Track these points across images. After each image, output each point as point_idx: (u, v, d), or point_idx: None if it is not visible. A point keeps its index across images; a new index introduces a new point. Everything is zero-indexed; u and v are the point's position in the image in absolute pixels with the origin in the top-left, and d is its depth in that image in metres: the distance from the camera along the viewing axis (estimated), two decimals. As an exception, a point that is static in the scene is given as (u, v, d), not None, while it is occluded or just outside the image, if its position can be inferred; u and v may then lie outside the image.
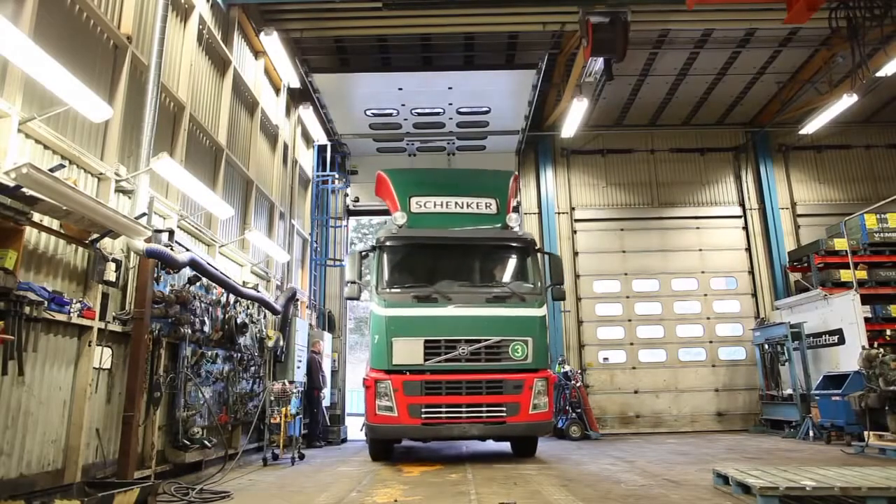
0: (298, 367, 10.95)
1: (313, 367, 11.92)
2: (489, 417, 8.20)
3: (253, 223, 10.22)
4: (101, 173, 5.88)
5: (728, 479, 5.76)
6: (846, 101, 12.58)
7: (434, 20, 11.21)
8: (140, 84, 6.68)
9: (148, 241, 6.05)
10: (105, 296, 5.81)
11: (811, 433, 11.47)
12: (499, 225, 9.57)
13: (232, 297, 8.50)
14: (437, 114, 13.62)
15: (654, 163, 16.43)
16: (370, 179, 10.65)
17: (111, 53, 6.34)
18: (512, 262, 9.49)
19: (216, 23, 9.10)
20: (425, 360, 8.27)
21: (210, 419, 7.63)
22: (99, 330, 5.60)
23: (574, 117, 13.01)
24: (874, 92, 14.38)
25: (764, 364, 13.83)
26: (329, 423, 13.01)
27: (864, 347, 10.67)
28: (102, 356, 5.72)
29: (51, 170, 4.55)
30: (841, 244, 13.51)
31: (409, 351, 8.31)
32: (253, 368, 9.43)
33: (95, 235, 5.49)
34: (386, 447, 9.13)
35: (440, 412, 8.16)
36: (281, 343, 10.42)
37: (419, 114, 13.61)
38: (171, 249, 6.48)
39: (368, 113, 13.54)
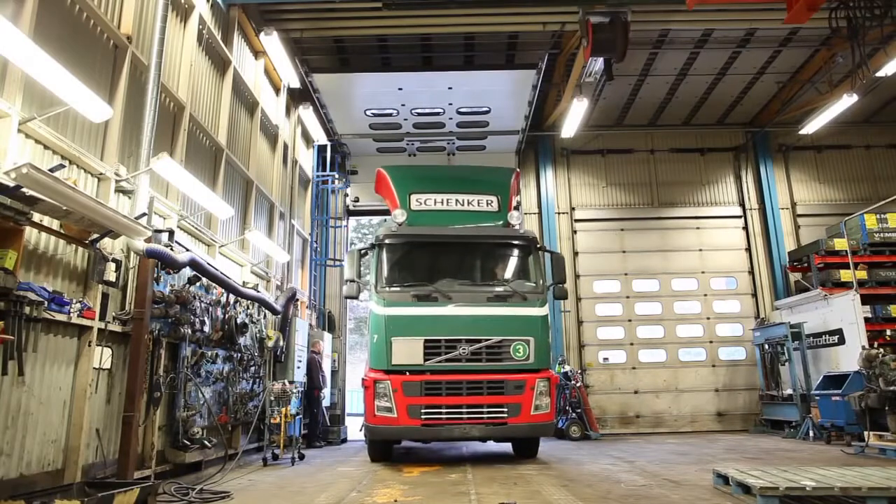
0: (298, 367, 10.95)
1: (313, 367, 11.92)
2: (490, 418, 8.07)
3: (253, 223, 10.22)
4: (101, 173, 5.88)
5: (728, 479, 5.75)
6: (846, 101, 12.59)
7: (434, 20, 11.21)
8: (140, 84, 6.68)
9: (148, 241, 6.05)
10: (105, 296, 5.81)
11: (811, 433, 11.47)
12: (500, 222, 9.45)
13: (232, 297, 8.49)
14: (437, 114, 13.62)
15: (653, 163, 16.43)
16: (370, 179, 10.62)
17: (111, 53, 6.34)
18: (513, 261, 9.34)
19: (216, 23, 9.10)
20: (425, 360, 8.15)
21: (210, 419, 7.63)
22: (99, 330, 5.60)
23: (574, 117, 13.01)
24: (874, 92, 14.38)
25: (764, 364, 13.83)
26: (329, 424, 13.01)
27: (864, 347, 10.67)
28: (102, 356, 5.71)
29: (51, 170, 4.55)
30: (841, 244, 13.52)
31: (408, 351, 8.17)
32: (253, 368, 9.43)
33: (95, 235, 5.49)
34: (385, 448, 9.00)
35: (440, 413, 8.03)
36: (281, 343, 10.42)
37: (419, 114, 13.60)
38: (171, 249, 6.48)
39: (368, 113, 13.54)
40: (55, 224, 5.14)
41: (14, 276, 4.29)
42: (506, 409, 8.11)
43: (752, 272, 15.63)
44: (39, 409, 4.95)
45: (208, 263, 7.48)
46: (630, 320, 15.36)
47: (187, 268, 6.85)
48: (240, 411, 8.78)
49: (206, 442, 7.16)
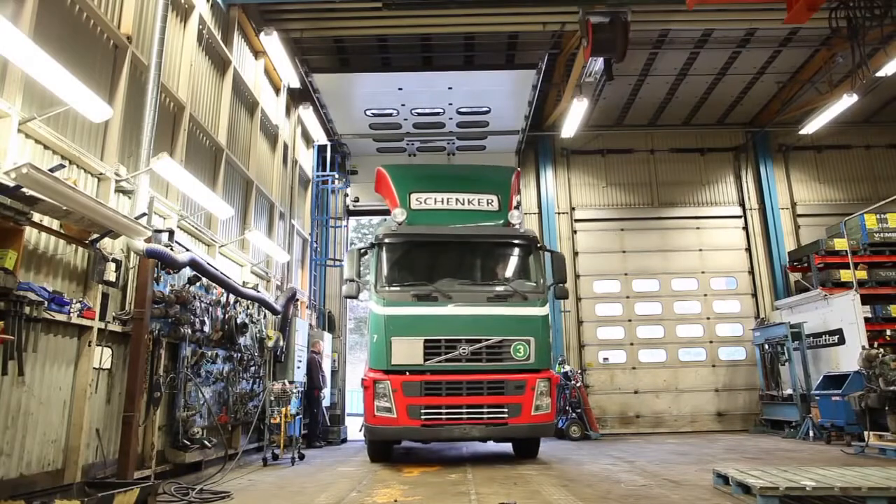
0: (298, 367, 10.95)
1: (313, 367, 11.92)
2: (490, 419, 8.03)
3: (253, 223, 10.22)
4: (101, 173, 5.88)
5: (728, 479, 5.75)
6: (846, 101, 12.58)
7: (434, 20, 11.21)
8: (140, 84, 6.68)
9: (148, 241, 6.05)
10: (105, 296, 5.81)
11: (811, 433, 11.47)
12: (500, 222, 9.39)
13: (232, 297, 8.49)
14: (437, 114, 13.62)
15: (654, 163, 16.43)
16: (370, 179, 10.61)
17: (111, 53, 6.34)
18: (514, 260, 9.28)
19: (216, 23, 9.10)
20: (425, 360, 8.11)
21: (210, 419, 7.63)
22: (99, 330, 5.60)
23: (574, 117, 13.01)
24: (874, 92, 14.38)
25: (764, 364, 13.83)
26: (329, 423, 13.01)
27: (864, 347, 10.67)
28: (102, 356, 5.72)
29: (51, 170, 4.55)
30: (841, 244, 13.52)
31: (408, 351, 8.12)
32: (253, 368, 9.43)
33: (95, 235, 5.49)
34: (385, 448, 8.96)
35: (440, 413, 7.98)
36: (281, 343, 10.42)
37: (419, 114, 13.60)
38: (171, 249, 6.48)
39: (368, 113, 13.54)
40: (55, 224, 5.14)
41: (14, 276, 4.29)
42: (506, 410, 8.07)
43: (752, 272, 15.63)
44: (39, 409, 4.95)
45: (208, 263, 7.48)
46: (630, 320, 15.35)
47: (187, 268, 6.85)
48: (240, 411, 8.78)
49: (206, 442, 7.16)
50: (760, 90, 14.96)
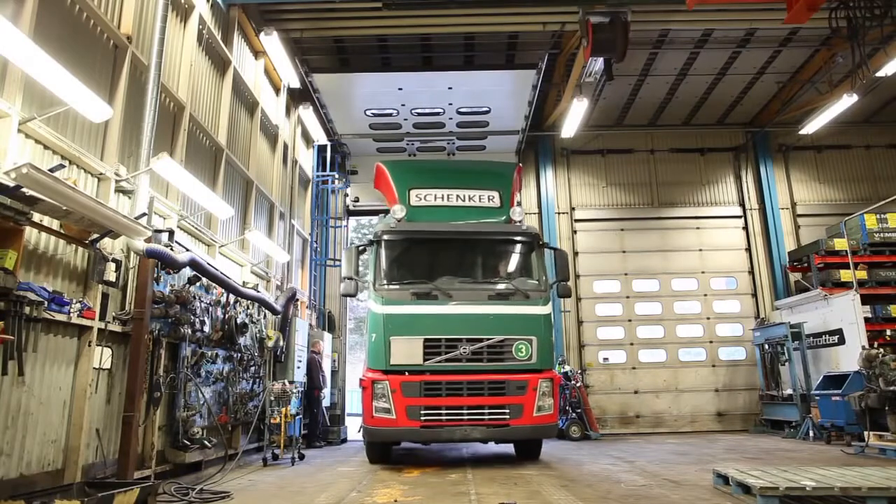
0: (298, 367, 10.94)
1: (313, 367, 11.92)
2: (491, 420, 7.86)
3: (253, 223, 10.22)
4: (101, 173, 5.88)
5: (728, 479, 5.75)
6: (846, 101, 12.59)
7: (434, 20, 11.21)
8: (140, 84, 6.68)
9: (148, 241, 6.05)
10: (105, 296, 5.81)
11: (811, 433, 11.47)
12: (502, 218, 9.18)
13: (232, 297, 8.49)
14: (437, 114, 13.61)
15: (654, 163, 16.43)
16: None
17: (111, 53, 6.34)
18: (515, 258, 9.10)
19: (216, 23, 9.10)
20: (425, 359, 7.92)
21: (210, 419, 7.63)
22: (99, 330, 5.60)
23: (574, 117, 13.01)
24: (874, 92, 14.38)
25: (764, 364, 13.83)
26: (329, 424, 13.01)
27: (864, 347, 10.67)
28: (102, 356, 5.71)
29: (51, 170, 4.55)
30: (841, 244, 13.52)
31: (407, 350, 7.94)
32: (253, 368, 9.43)
33: (95, 235, 5.49)
34: (384, 450, 8.81)
35: (440, 414, 7.80)
36: (281, 343, 10.42)
37: (419, 114, 13.60)
38: (171, 249, 6.48)
39: (368, 113, 13.54)
40: (55, 224, 5.14)
41: (14, 276, 4.29)
42: (507, 411, 7.90)
43: (752, 272, 15.63)
44: (39, 409, 4.95)
45: (208, 263, 7.48)
46: (630, 320, 15.35)
47: (187, 268, 6.85)
48: (240, 411, 8.78)
49: (206, 442, 7.16)
50: (760, 90, 14.96)
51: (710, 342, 15.25)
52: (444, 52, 12.81)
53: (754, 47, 13.14)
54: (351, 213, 15.94)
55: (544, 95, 14.11)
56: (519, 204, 9.73)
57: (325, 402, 12.61)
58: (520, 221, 9.12)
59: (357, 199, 15.76)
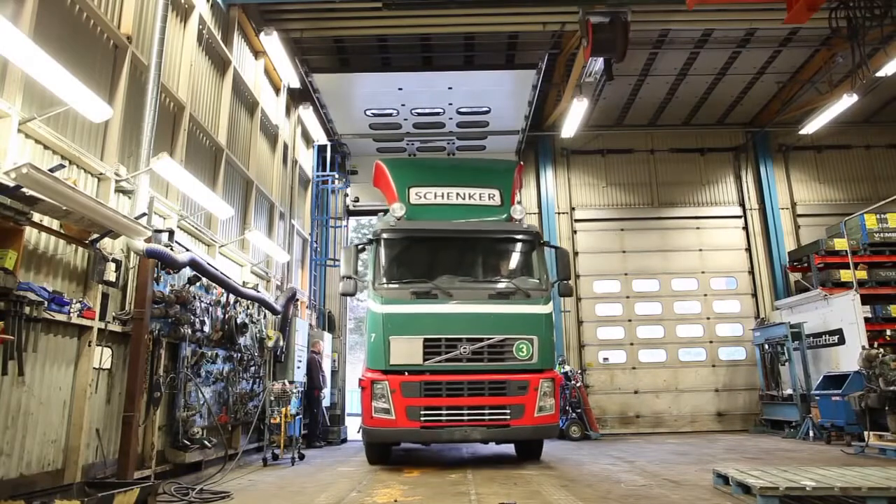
0: (298, 367, 10.94)
1: (313, 367, 11.92)
2: (492, 420, 7.77)
3: (253, 223, 10.22)
4: (101, 173, 5.88)
5: (728, 479, 5.75)
6: (846, 101, 12.59)
7: (434, 20, 11.21)
8: (140, 84, 6.68)
9: (148, 241, 6.05)
10: (105, 296, 5.81)
11: (811, 433, 11.47)
12: (502, 217, 9.06)
13: (232, 297, 8.49)
14: (437, 114, 13.61)
15: (654, 163, 16.44)
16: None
17: (111, 53, 6.34)
18: (516, 257, 9.01)
19: (216, 23, 9.10)
20: (424, 359, 7.83)
21: (210, 419, 7.62)
22: (99, 330, 5.60)
23: (574, 117, 13.01)
24: (874, 92, 14.38)
25: (764, 364, 13.83)
26: (329, 424, 13.02)
27: (864, 347, 10.67)
28: (102, 356, 5.71)
29: (51, 170, 4.55)
30: (841, 244, 13.52)
31: (407, 350, 7.85)
32: (253, 368, 9.43)
33: (95, 235, 5.49)
34: (383, 451, 8.73)
35: (440, 415, 7.72)
36: (281, 343, 10.42)
37: (419, 114, 13.60)
38: (171, 249, 6.48)
39: (368, 113, 13.54)
40: (55, 224, 5.14)
41: (14, 276, 4.29)
42: (508, 411, 7.81)
43: (752, 272, 15.64)
44: (39, 409, 4.95)
45: (208, 263, 7.48)
46: (630, 320, 15.35)
47: (187, 268, 6.85)
48: (240, 411, 8.78)
49: (206, 442, 7.16)
50: (760, 90, 14.96)
51: (710, 342, 15.25)
52: (444, 52, 12.80)
53: (754, 47, 13.14)
54: (351, 213, 15.94)
55: (544, 95, 14.11)
56: (519, 202, 9.67)
57: (325, 402, 12.61)
58: (520, 220, 9.00)
59: (357, 199, 15.76)
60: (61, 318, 5.06)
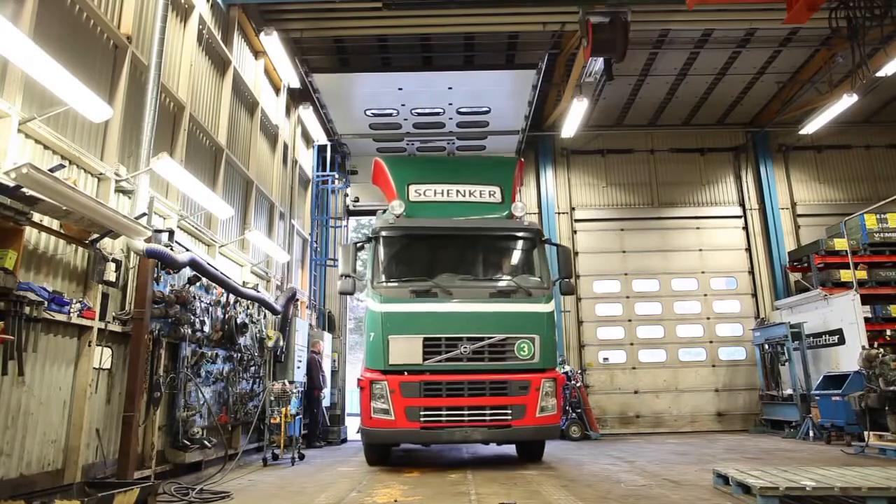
0: (298, 367, 10.94)
1: (313, 367, 11.92)
2: (493, 421, 7.65)
3: (253, 223, 10.22)
4: (101, 173, 5.88)
5: (728, 479, 5.75)
6: (846, 101, 12.59)
7: (434, 20, 11.21)
8: (140, 84, 6.68)
9: (148, 241, 6.05)
10: (105, 296, 5.81)
11: (811, 433, 11.47)
12: (503, 214, 8.95)
13: (232, 297, 8.49)
14: (437, 114, 13.61)
15: (654, 163, 16.44)
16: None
17: (111, 53, 6.34)
18: (517, 254, 8.88)
19: (216, 23, 9.10)
20: (424, 359, 7.72)
21: (210, 419, 7.62)
22: (99, 330, 5.60)
23: (574, 117, 13.01)
24: (874, 92, 14.38)
25: (764, 364, 13.83)
26: (329, 424, 13.02)
27: (864, 347, 10.67)
28: (102, 356, 5.71)
29: (51, 170, 4.55)
30: (841, 244, 13.52)
31: (406, 350, 7.73)
32: (253, 368, 9.43)
33: (95, 235, 5.49)
34: (383, 452, 8.62)
35: (440, 415, 7.60)
36: (281, 343, 10.42)
37: (419, 114, 13.60)
38: (171, 249, 6.48)
39: (368, 113, 13.54)
40: (55, 224, 5.14)
41: (14, 276, 4.29)
42: (509, 411, 7.68)
43: (752, 272, 15.64)
44: (39, 409, 4.95)
45: (208, 263, 7.48)
46: (630, 320, 15.35)
47: (187, 268, 6.84)
48: (240, 411, 8.78)
49: (206, 442, 7.16)
50: (760, 90, 14.96)
51: (710, 342, 15.25)
52: (444, 52, 12.80)
53: (754, 47, 13.14)
54: (351, 213, 15.95)
55: (544, 95, 14.11)
56: (520, 199, 9.57)
57: (325, 402, 12.62)
58: (521, 217, 8.85)
59: (357, 199, 15.77)
60: (61, 318, 5.06)
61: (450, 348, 7.80)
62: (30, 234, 4.79)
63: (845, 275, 13.20)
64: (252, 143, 10.49)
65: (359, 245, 8.75)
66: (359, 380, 8.37)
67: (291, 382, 9.88)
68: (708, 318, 15.37)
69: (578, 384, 12.96)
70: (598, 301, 15.51)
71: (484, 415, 7.70)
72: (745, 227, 15.93)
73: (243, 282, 9.16)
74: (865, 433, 9.23)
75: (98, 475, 5.58)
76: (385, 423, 7.60)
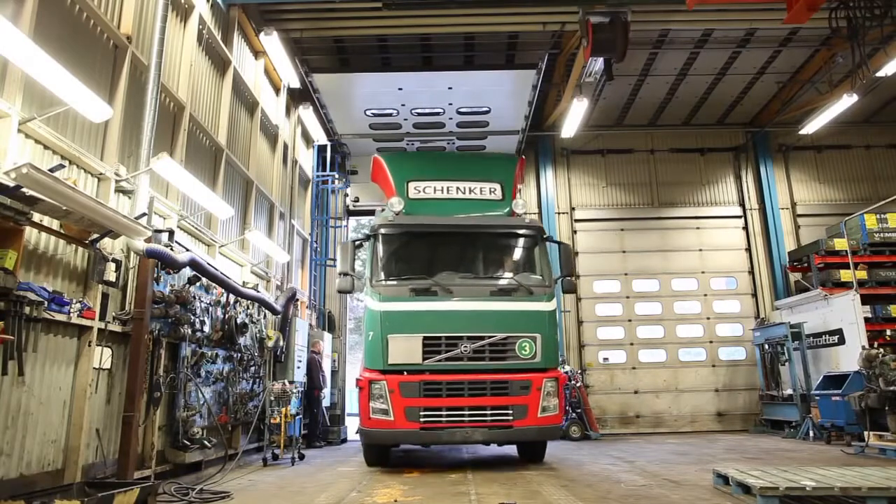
0: (298, 367, 10.94)
1: (313, 367, 11.92)
2: (494, 421, 7.53)
3: (253, 223, 10.22)
4: (101, 173, 5.88)
5: (728, 479, 5.75)
6: (846, 101, 12.59)
7: (434, 20, 11.21)
8: (140, 84, 6.68)
9: (148, 241, 6.05)
10: (105, 296, 5.81)
11: (811, 433, 11.47)
12: (504, 211, 8.83)
13: (232, 297, 8.49)
14: (437, 114, 13.61)
15: (654, 163, 16.44)
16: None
17: (111, 53, 6.34)
18: (518, 252, 8.76)
19: (216, 23, 9.10)
20: (424, 358, 7.61)
21: (210, 419, 7.62)
22: (99, 330, 5.60)
23: (574, 117, 13.01)
24: (874, 92, 14.38)
25: (764, 364, 13.83)
26: (329, 424, 13.02)
27: (864, 347, 10.67)
28: (102, 356, 5.71)
29: (51, 170, 4.55)
30: (841, 244, 13.52)
31: (406, 349, 7.61)
32: (253, 368, 9.43)
33: (95, 235, 5.49)
34: (382, 452, 8.50)
35: (440, 416, 7.49)
36: (281, 343, 10.42)
37: (419, 114, 13.60)
38: (171, 249, 6.48)
39: (368, 113, 13.54)
40: (55, 224, 5.14)
41: (14, 276, 4.29)
42: (511, 412, 7.56)
43: (752, 272, 15.64)
44: (39, 409, 4.95)
45: (208, 263, 7.48)
46: (630, 320, 15.35)
47: (187, 268, 6.84)
48: (240, 411, 8.78)
49: (206, 442, 7.16)
50: (760, 90, 14.96)
51: (710, 342, 15.25)
52: (444, 52, 12.80)
53: (754, 47, 13.14)
54: (351, 213, 15.95)
55: (544, 95, 14.11)
56: (520, 197, 9.48)
57: (325, 402, 12.62)
58: (522, 214, 8.73)
59: (357, 199, 15.77)
60: (61, 318, 5.06)
61: (450, 347, 7.69)
62: (30, 234, 4.79)
63: (845, 275, 13.20)
64: (252, 143, 10.49)
65: (357, 243, 8.64)
66: (358, 380, 8.28)
67: (291, 382, 9.88)
68: (708, 318, 15.37)
69: (578, 384, 12.96)
70: (598, 301, 15.51)
71: (485, 415, 7.59)
72: (745, 227, 15.93)
73: (243, 282, 9.16)
74: (865, 433, 9.23)
75: (98, 475, 5.58)
76: (384, 423, 7.50)
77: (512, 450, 9.81)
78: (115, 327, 5.91)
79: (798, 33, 12.58)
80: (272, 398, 8.96)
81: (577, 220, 15.93)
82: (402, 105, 13.18)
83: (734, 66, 13.84)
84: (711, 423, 14.72)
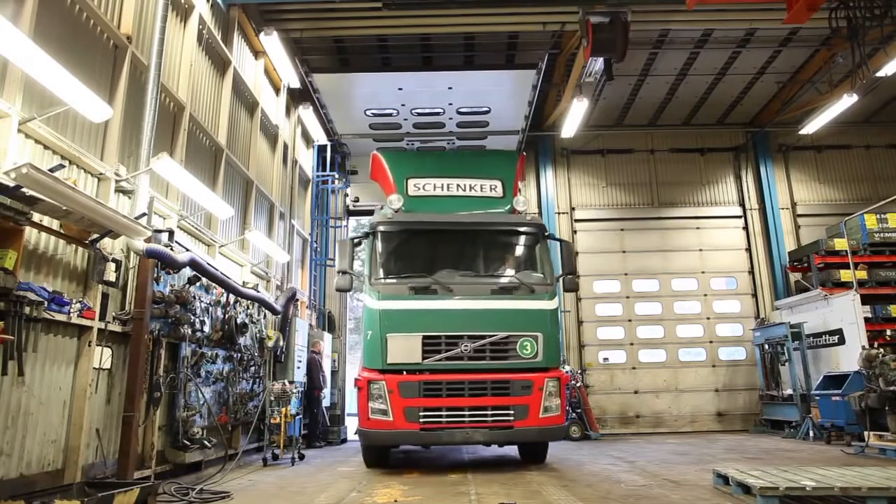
0: (298, 367, 10.94)
1: (313, 367, 11.92)
2: (495, 422, 7.40)
3: (253, 223, 10.22)
4: (101, 173, 5.88)
5: (728, 479, 5.75)
6: (846, 101, 12.59)
7: (434, 20, 11.21)
8: (140, 84, 6.68)
9: (148, 241, 6.05)
10: (105, 296, 5.81)
11: (811, 433, 11.47)
12: (505, 208, 8.75)
13: (232, 297, 8.49)
14: (437, 114, 13.60)
15: (654, 163, 16.44)
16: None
17: (111, 53, 6.34)
18: (519, 250, 8.63)
19: (216, 23, 9.10)
20: (424, 358, 7.49)
21: (210, 419, 7.62)
22: (99, 330, 5.60)
23: (574, 117, 13.01)
24: (874, 92, 14.38)
25: (764, 364, 13.83)
26: (329, 424, 13.01)
27: (864, 347, 10.67)
28: (102, 356, 5.71)
29: (51, 170, 4.55)
30: (841, 244, 13.52)
31: (405, 348, 7.50)
32: (253, 368, 9.43)
33: (95, 235, 5.49)
34: (381, 453, 8.39)
35: (440, 416, 7.37)
36: (281, 343, 10.42)
37: (419, 114, 13.59)
38: (171, 249, 6.48)
39: (368, 113, 13.53)
40: (55, 224, 5.14)
41: (14, 276, 4.29)
42: (512, 412, 7.42)
43: (752, 272, 15.64)
44: (39, 409, 4.95)
45: (208, 263, 7.48)
46: (630, 320, 15.35)
47: (187, 268, 6.84)
48: (240, 411, 8.77)
49: (206, 442, 7.16)
50: (760, 90, 14.96)
51: (710, 342, 15.25)
52: (443, 52, 12.80)
53: (754, 47, 13.14)
54: (351, 213, 15.95)
55: (544, 95, 14.11)
56: (521, 194, 9.41)
57: (325, 402, 12.61)
58: (523, 211, 8.62)
59: (357, 199, 15.77)
60: (61, 318, 5.06)
61: (450, 347, 7.58)
62: (30, 234, 4.79)
63: (845, 275, 13.20)
64: (252, 143, 10.49)
65: (356, 240, 8.54)
66: (356, 379, 8.18)
67: (291, 382, 9.88)
68: (708, 318, 15.37)
69: (578, 384, 12.97)
70: (598, 301, 15.51)
71: (485, 415, 7.48)
72: (745, 227, 15.93)
73: (243, 282, 9.16)
74: (865, 433, 9.23)
75: (98, 475, 5.58)
76: (383, 423, 7.38)
77: (513, 450, 9.79)
78: (115, 327, 5.91)
79: (798, 33, 12.58)
80: (272, 398, 8.96)
81: (577, 220, 15.93)
82: (402, 105, 13.18)
83: (734, 66, 13.84)
84: (711, 423, 14.72)
